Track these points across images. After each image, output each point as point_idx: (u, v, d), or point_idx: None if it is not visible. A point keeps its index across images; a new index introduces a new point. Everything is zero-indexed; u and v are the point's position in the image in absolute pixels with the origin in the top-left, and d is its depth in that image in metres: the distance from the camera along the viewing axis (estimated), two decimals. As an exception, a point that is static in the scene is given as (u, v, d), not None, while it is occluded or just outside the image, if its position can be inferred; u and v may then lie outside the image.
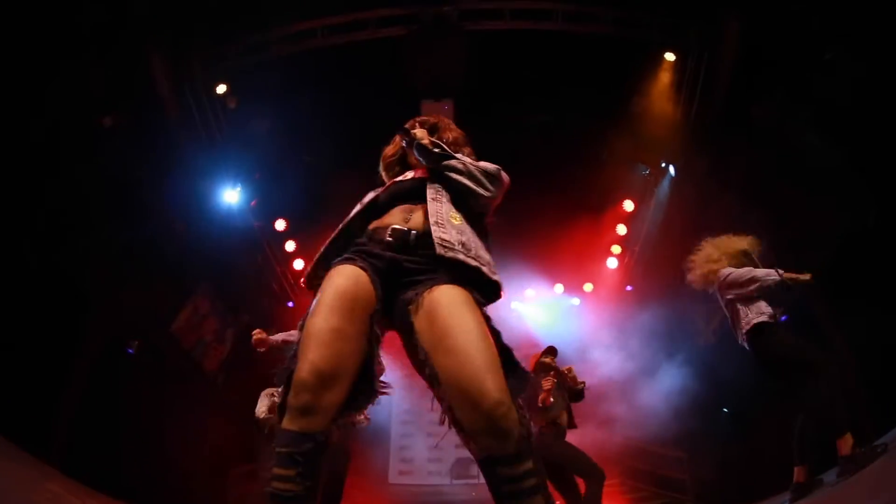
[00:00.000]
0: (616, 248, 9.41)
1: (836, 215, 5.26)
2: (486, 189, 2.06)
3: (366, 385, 1.72)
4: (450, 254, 1.80)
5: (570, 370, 5.07)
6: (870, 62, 4.65)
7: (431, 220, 1.89)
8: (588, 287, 9.98)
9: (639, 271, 9.07)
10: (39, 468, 4.16)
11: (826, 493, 3.38)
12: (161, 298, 7.13)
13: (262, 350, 4.39)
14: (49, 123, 5.09)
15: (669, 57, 6.83)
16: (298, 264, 9.37)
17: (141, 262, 6.46)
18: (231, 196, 7.79)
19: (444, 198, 2.02)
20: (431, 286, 1.74)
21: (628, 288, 9.48)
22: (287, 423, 1.59)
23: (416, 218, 1.96)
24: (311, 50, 6.73)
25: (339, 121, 7.44)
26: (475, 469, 8.74)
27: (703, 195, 6.88)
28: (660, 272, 8.05)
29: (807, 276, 3.91)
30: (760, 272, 4.04)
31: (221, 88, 6.88)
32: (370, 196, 2.20)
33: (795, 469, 3.72)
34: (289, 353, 1.76)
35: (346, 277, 1.78)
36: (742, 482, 6.26)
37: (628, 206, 8.79)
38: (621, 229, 9.12)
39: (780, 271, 3.95)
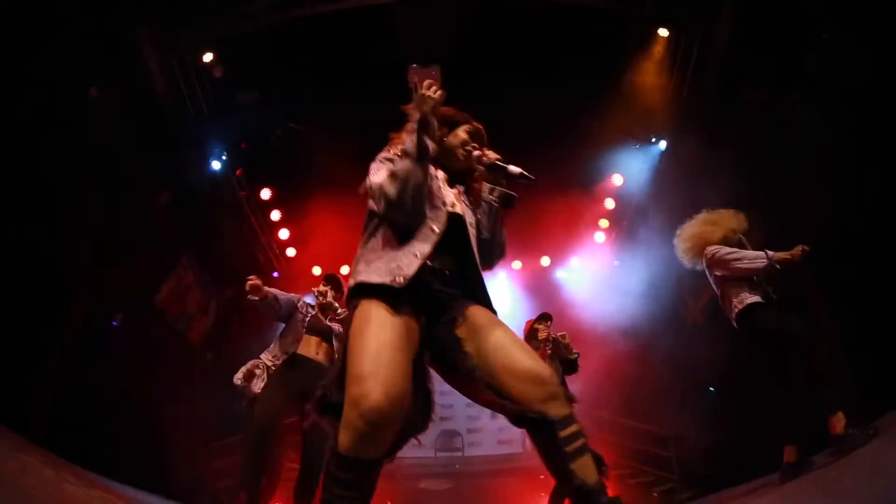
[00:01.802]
0: (604, 223, 9.38)
1: (830, 197, 5.22)
2: (491, 265, 2.29)
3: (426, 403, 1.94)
4: None
5: (564, 336, 4.96)
6: (866, 43, 4.56)
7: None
8: (575, 261, 9.98)
9: (626, 246, 9.05)
10: (11, 438, 4.10)
11: (818, 473, 3.36)
12: (145, 270, 7.05)
13: (256, 298, 4.25)
14: (34, 96, 4.93)
15: (663, 33, 6.71)
16: (284, 234, 9.32)
17: (124, 234, 6.37)
18: (216, 165, 7.69)
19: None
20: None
21: (615, 263, 9.48)
22: (354, 449, 1.64)
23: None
24: (299, 18, 6.57)
25: (325, 88, 7.29)
26: (458, 441, 8.92)
27: (694, 172, 6.84)
28: (648, 248, 8.05)
29: (797, 251, 3.83)
30: (749, 254, 4.00)
31: (208, 57, 6.72)
32: None
33: (786, 448, 3.70)
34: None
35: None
36: (727, 462, 6.28)
37: (617, 180, 8.73)
38: (609, 203, 9.09)
39: (770, 253, 3.91)
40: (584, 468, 1.68)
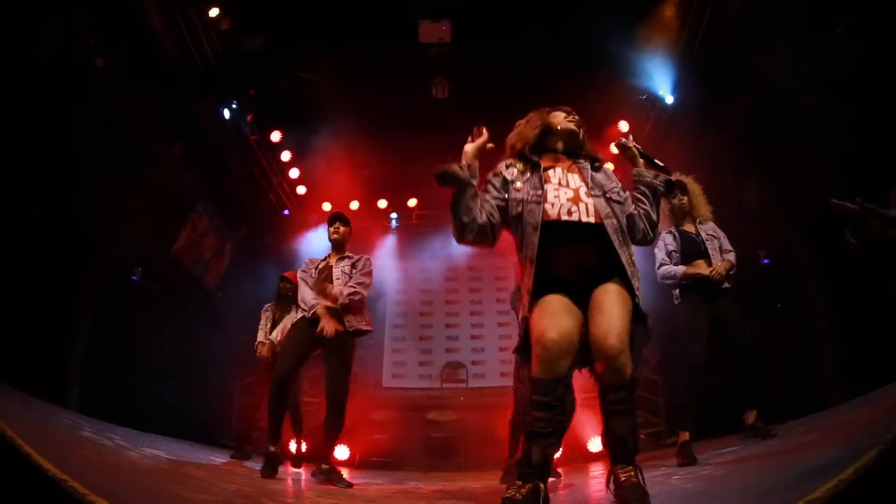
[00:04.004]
0: (609, 166, 9.39)
1: (824, 174, 5.30)
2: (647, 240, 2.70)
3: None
4: None
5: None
6: (880, 40, 4.51)
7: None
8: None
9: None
10: (63, 415, 4.41)
11: (737, 453, 3.84)
12: (162, 221, 7.27)
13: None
14: (41, 64, 4.98)
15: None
16: (294, 173, 9.53)
17: (140, 188, 6.55)
18: (227, 114, 7.81)
19: None
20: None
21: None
22: (543, 372, 2.17)
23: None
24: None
25: (334, 39, 7.27)
26: (463, 373, 9.31)
27: (695, 131, 6.92)
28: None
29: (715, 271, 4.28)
30: (663, 263, 4.43)
31: (214, 12, 6.70)
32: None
33: (747, 412, 4.30)
34: None
35: None
36: (713, 411, 6.59)
37: (623, 126, 8.72)
38: (614, 149, 9.08)
39: (680, 269, 4.37)
40: (617, 424, 2.18)
